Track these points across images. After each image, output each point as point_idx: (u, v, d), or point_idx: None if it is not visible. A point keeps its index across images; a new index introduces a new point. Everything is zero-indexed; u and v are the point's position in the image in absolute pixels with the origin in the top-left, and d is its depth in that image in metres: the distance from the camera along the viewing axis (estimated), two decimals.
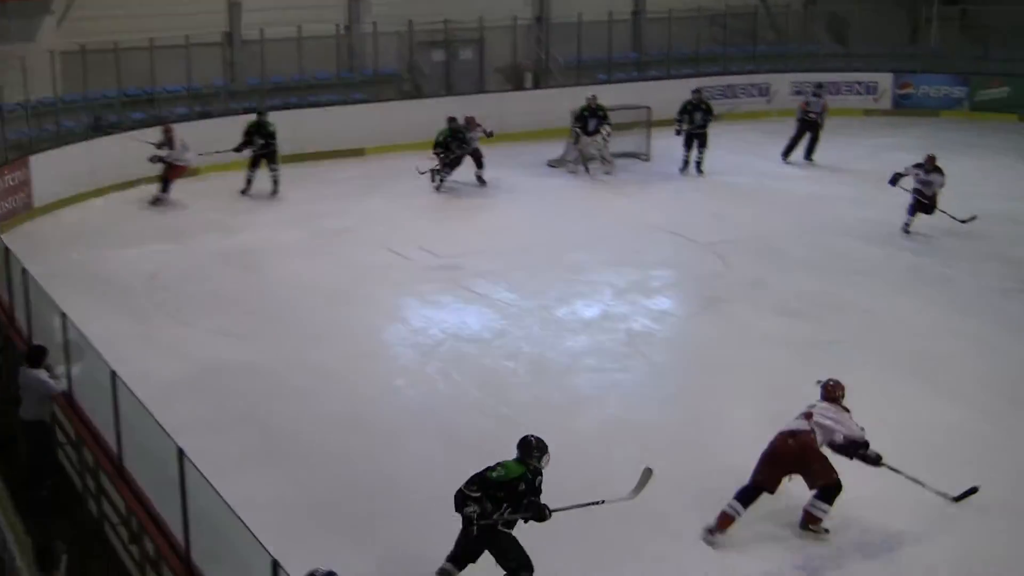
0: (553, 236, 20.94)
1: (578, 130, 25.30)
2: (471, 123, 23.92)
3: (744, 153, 26.96)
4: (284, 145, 24.17)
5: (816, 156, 26.51)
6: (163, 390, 13.23)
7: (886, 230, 21.15)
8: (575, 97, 27.20)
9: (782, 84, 32.25)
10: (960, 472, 11.86)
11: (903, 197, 20.84)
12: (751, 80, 32.11)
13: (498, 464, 9.98)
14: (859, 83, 32.53)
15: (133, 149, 22.81)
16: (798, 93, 31.39)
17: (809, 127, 26.49)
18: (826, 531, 11.15)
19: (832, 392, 11.49)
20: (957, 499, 11.62)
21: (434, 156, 23.72)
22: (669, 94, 29.13)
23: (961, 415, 13.81)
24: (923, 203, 20.71)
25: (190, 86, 26.51)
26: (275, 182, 23.14)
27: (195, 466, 8.39)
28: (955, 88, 32.57)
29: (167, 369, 14.82)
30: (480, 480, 9.86)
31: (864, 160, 26.32)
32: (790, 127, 26.95)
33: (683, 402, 14.44)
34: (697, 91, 25.48)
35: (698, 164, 25.12)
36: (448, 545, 10.12)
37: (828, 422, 11.17)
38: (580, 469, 12.27)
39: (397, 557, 10.80)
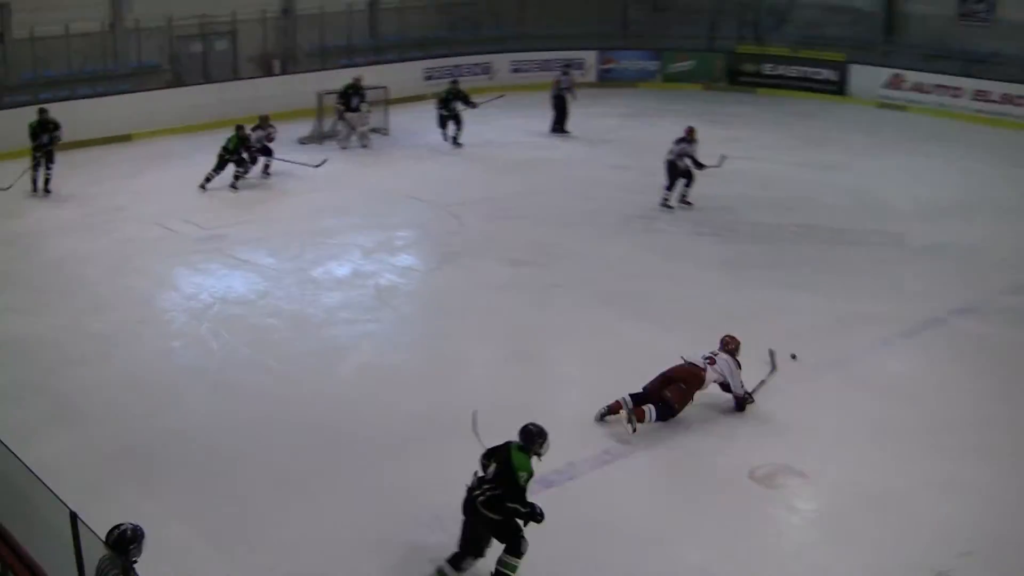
0: (306, 205, 20.88)
1: (341, 107, 25.16)
2: (264, 122, 23.28)
3: (479, 123, 26.98)
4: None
5: (569, 127, 26.99)
6: None
7: (604, 187, 21.84)
8: (320, 80, 27.25)
9: (503, 63, 32.66)
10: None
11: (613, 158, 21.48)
12: (475, 60, 32.36)
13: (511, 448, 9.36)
14: (568, 60, 33.08)
15: None
16: (515, 71, 32.09)
17: (561, 102, 26.93)
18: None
19: (728, 346, 12.56)
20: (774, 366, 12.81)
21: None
22: (404, 75, 29.61)
23: (653, 336, 14.55)
24: (680, 172, 20.63)
25: None
26: (47, 181, 21.95)
27: None
28: (649, 63, 33.62)
29: None
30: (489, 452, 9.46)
31: (579, 127, 26.93)
32: (514, 103, 27.45)
33: (429, 345, 14.77)
34: (454, 82, 25.27)
35: (455, 138, 25.23)
36: (213, 480, 10.25)
37: (723, 370, 12.39)
38: (342, 411, 12.54)
39: (185, 502, 10.78)
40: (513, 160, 24.16)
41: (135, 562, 7.46)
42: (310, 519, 10.45)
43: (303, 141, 25.81)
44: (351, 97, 25.25)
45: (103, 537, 7.45)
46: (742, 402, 12.60)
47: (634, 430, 12.00)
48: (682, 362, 12.47)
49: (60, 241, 18.82)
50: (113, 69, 27.55)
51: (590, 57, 33.37)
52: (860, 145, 26.18)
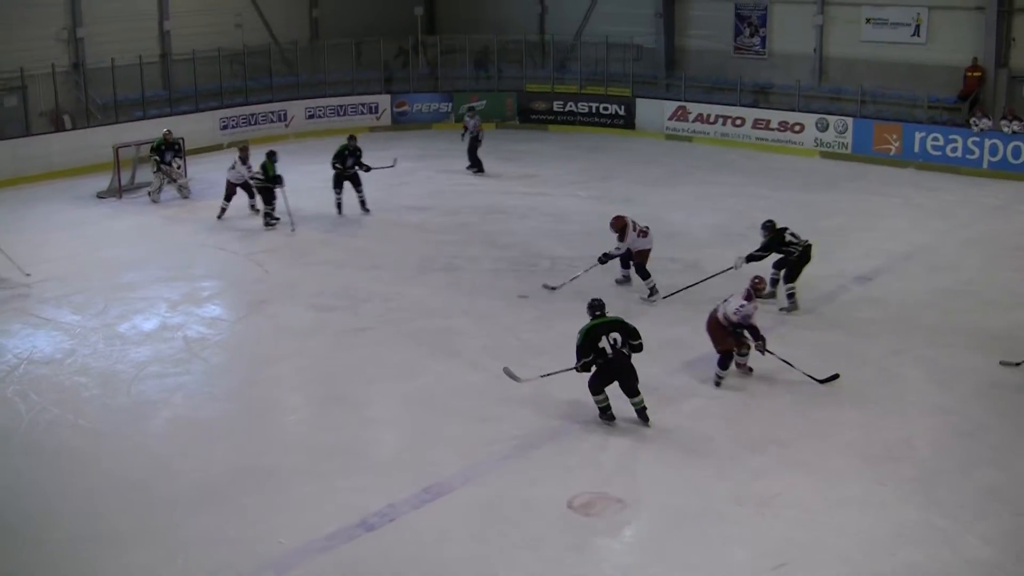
0: (108, 260, 20.36)
1: (156, 159, 24.65)
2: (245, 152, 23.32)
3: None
4: None
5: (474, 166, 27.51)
6: None
7: (404, 228, 22.05)
8: (115, 134, 26.83)
9: (298, 110, 32.64)
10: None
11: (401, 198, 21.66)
12: (271, 108, 32.28)
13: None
14: (363, 104, 33.41)
15: None
16: (311, 117, 32.14)
17: (472, 142, 27.49)
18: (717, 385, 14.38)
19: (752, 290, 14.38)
20: (823, 381, 14.28)
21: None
22: (199, 125, 29.24)
23: (465, 371, 14.92)
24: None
25: None
26: None
27: None
28: (442, 103, 34.06)
29: None
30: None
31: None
32: (309, 148, 27.66)
33: (241, 394, 14.69)
34: (352, 137, 24.21)
35: (362, 203, 23.72)
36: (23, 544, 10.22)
37: (729, 307, 14.21)
38: (155, 466, 12.43)
39: None
40: (312, 205, 24.05)
41: None
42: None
43: (101, 195, 25.29)
44: (164, 152, 24.74)
45: None
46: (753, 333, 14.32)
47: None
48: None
49: None
50: None
51: (384, 101, 33.58)
52: (651, 176, 27.01)
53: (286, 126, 32.24)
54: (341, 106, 33.04)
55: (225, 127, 30.98)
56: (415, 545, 10.80)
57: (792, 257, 17.19)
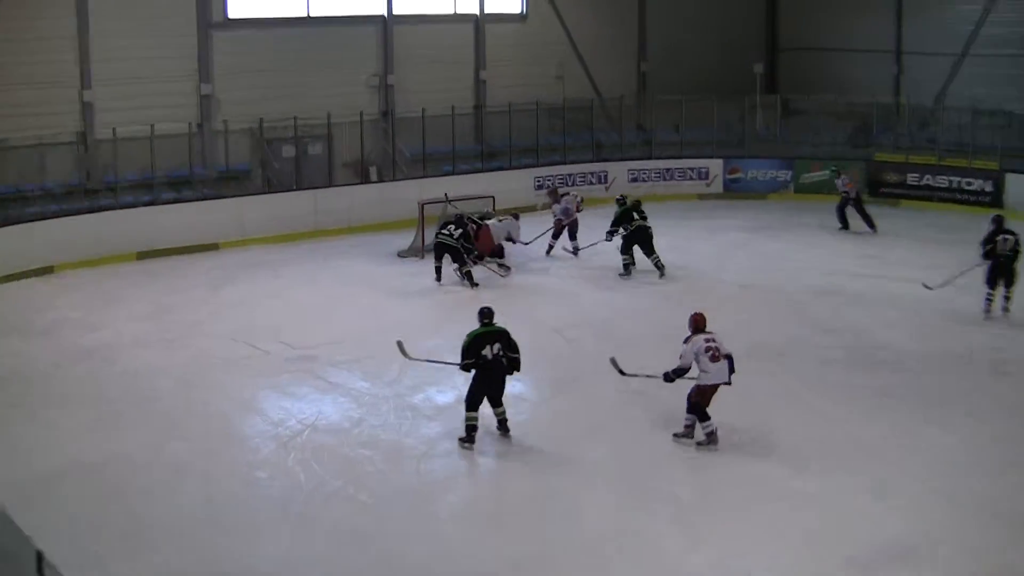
0: (405, 323, 20.27)
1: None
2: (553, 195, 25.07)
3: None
4: (138, 241, 24.53)
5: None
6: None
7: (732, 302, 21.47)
8: (422, 189, 27.30)
9: (620, 171, 32.60)
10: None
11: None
12: (590, 168, 32.41)
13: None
14: (692, 169, 33.07)
15: None
16: (634, 180, 32.03)
17: (844, 201, 28.66)
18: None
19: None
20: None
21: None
22: (512, 183, 29.48)
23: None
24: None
25: (44, 185, 25.88)
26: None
27: (57, 570, 7.98)
28: (780, 171, 33.34)
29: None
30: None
31: (702, 240, 26.60)
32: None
33: (537, 482, 14.33)
34: (632, 199, 24.56)
35: (658, 266, 23.85)
36: None
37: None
38: (437, 557, 12.33)
39: None
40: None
41: None
42: None
43: (402, 255, 25.71)
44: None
45: None
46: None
47: None
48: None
49: (135, 354, 19.05)
50: (200, 172, 28.00)
51: (715, 166, 33.21)
52: None
53: (606, 188, 32.20)
54: (668, 169, 32.91)
55: (540, 186, 30.94)
56: None
57: None
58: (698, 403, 14.71)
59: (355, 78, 31.02)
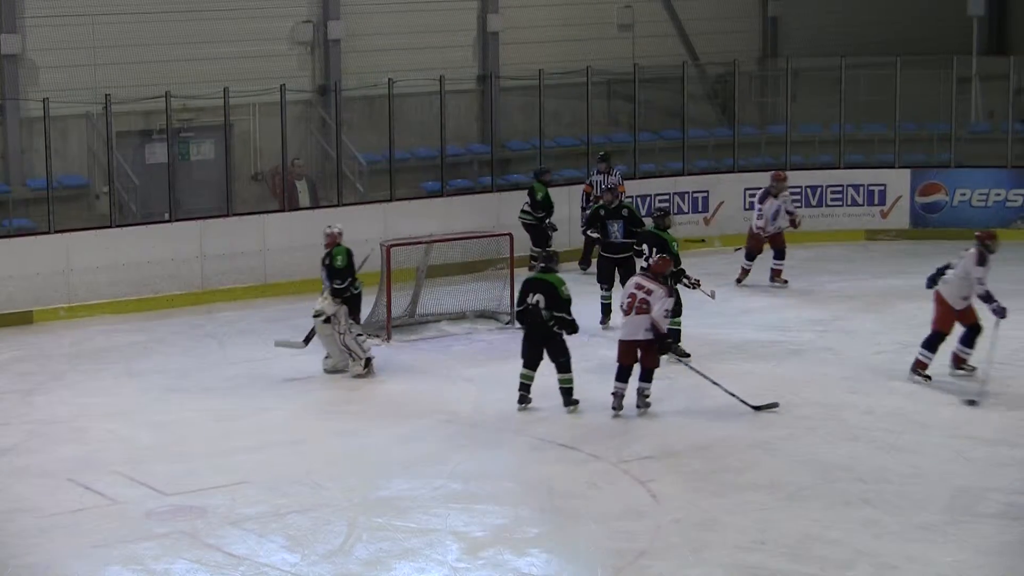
0: (361, 450, 16.70)
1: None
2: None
3: None
4: None
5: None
6: None
7: None
8: (386, 219, 23.58)
9: (731, 191, 26.86)
10: None
11: None
12: (674, 185, 27.04)
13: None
14: (853, 186, 27.19)
15: None
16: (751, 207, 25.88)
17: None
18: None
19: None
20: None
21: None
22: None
23: None
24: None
25: None
26: None
27: None
28: (1013, 191, 26.95)
29: None
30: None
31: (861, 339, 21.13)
32: None
33: None
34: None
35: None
36: None
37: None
38: None
39: None
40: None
41: None
42: None
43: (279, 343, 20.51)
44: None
45: None
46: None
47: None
48: None
49: None
50: None
51: (897, 181, 27.10)
52: None
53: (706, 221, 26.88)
54: (815, 189, 26.85)
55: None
56: None
57: None
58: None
59: (273, 28, 25.48)
